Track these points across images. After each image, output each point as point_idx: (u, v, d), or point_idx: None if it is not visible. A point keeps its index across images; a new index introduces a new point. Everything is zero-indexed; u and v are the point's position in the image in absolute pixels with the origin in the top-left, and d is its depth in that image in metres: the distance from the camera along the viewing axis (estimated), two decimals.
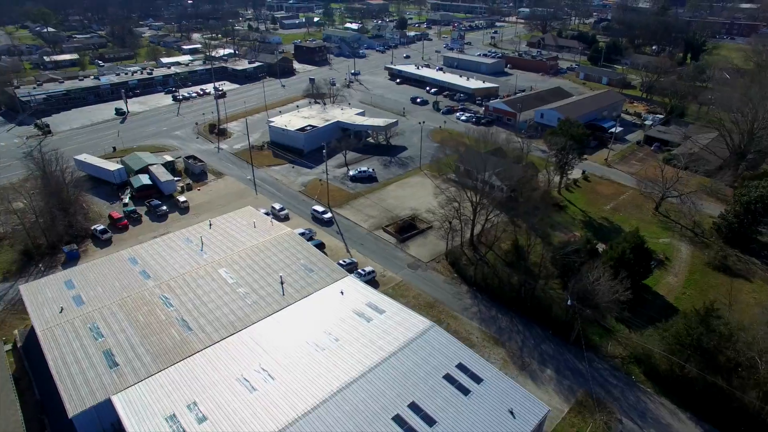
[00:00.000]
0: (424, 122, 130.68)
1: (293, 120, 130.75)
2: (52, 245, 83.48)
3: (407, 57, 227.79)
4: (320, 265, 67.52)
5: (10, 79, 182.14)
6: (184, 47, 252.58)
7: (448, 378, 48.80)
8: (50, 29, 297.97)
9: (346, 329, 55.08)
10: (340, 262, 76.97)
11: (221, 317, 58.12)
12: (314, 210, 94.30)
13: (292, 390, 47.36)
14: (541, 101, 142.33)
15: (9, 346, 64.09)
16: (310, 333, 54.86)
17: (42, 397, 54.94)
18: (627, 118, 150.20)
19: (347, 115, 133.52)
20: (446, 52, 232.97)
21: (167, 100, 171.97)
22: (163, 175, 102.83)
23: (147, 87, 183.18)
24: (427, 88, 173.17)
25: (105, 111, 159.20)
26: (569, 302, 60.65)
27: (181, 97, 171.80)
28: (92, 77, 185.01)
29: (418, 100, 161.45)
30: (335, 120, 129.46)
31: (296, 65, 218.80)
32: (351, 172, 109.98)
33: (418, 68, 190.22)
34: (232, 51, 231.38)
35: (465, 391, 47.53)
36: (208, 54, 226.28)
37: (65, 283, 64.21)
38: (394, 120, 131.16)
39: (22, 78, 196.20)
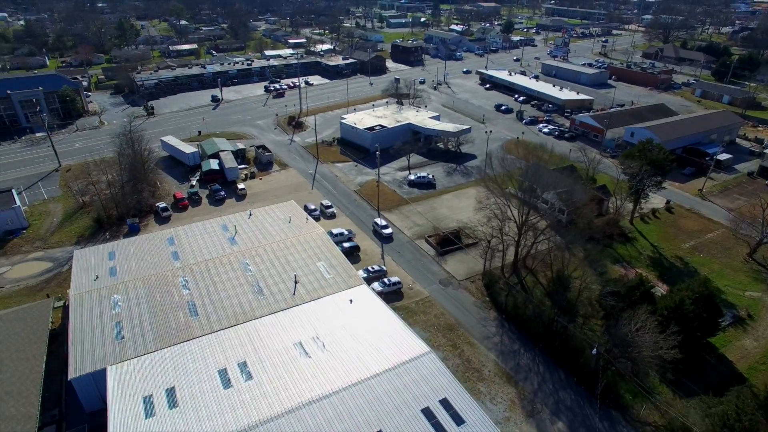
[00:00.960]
0: (491, 131, 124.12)
1: (365, 118, 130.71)
2: (120, 217, 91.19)
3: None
4: (339, 269, 65.92)
5: (135, 66, 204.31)
6: (291, 41, 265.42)
7: (427, 413, 44.60)
8: (183, 22, 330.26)
9: (339, 340, 52.92)
10: (369, 268, 74.92)
11: (228, 308, 58.93)
12: (375, 223, 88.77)
13: (262, 393, 46.35)
14: (637, 118, 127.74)
15: (60, 303, 70.90)
16: (302, 337, 53.54)
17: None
18: (744, 144, 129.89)
19: (420, 117, 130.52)
20: (546, 59, 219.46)
21: (260, 90, 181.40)
22: (229, 162, 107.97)
23: (245, 77, 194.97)
24: (516, 96, 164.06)
25: (203, 97, 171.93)
26: (595, 351, 52.84)
27: (272, 88, 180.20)
28: (200, 66, 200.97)
29: (503, 107, 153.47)
30: (407, 122, 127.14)
31: (390, 64, 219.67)
32: (410, 177, 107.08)
33: (510, 74, 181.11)
34: (331, 47, 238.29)
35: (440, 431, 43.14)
36: (308, 48, 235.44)
37: (109, 254, 69.43)
38: (467, 127, 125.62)
39: (147, 64, 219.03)
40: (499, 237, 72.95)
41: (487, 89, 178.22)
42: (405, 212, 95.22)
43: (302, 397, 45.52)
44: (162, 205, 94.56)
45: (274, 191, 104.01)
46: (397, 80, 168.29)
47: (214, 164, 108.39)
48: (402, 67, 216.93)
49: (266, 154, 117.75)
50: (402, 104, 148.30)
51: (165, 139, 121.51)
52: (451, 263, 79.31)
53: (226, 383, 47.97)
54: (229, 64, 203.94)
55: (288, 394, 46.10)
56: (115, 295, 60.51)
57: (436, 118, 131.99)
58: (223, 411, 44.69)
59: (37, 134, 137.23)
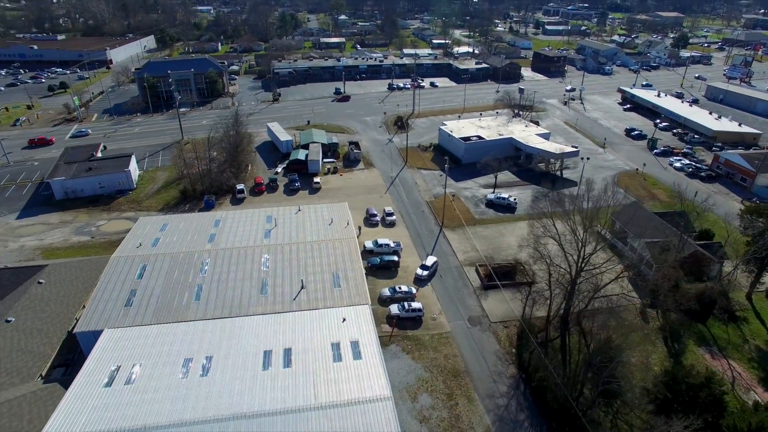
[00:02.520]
0: (588, 158, 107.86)
1: (466, 127, 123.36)
2: (202, 192, 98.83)
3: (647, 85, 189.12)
4: (351, 283, 62.19)
5: (281, 54, 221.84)
6: (435, 41, 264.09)
7: None
8: (342, 17, 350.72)
9: (306, 359, 49.50)
10: (396, 287, 69.72)
11: (228, 299, 59.28)
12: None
13: (207, 393, 45.25)
14: None
15: None
16: (275, 346, 51.28)
17: None
18: None
19: (526, 133, 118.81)
20: (716, 80, 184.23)
21: (383, 87, 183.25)
22: (313, 154, 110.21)
23: (374, 73, 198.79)
24: (657, 121, 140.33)
25: (329, 88, 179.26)
26: None
27: (395, 86, 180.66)
28: (336, 59, 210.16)
29: (634, 133, 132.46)
30: (509, 136, 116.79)
31: (527, 73, 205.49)
32: (489, 196, 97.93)
33: (658, 95, 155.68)
34: (469, 50, 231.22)
35: None
36: (447, 50, 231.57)
37: (162, 225, 75.22)
38: (573, 149, 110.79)
39: (294, 54, 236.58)
40: (548, 283, 62.00)
41: (625, 110, 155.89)
42: (469, 233, 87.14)
43: (234, 410, 43.38)
44: (240, 186, 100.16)
45: (347, 189, 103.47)
46: (521, 90, 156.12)
47: (301, 155, 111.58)
48: (539, 77, 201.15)
49: (355, 151, 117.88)
50: (519, 116, 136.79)
51: (270, 124, 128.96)
52: (491, 300, 70.10)
53: (185, 373, 47.98)
54: (363, 59, 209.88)
55: (226, 403, 44.32)
56: (144, 264, 65.00)
57: (545, 135, 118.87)
58: (167, 399, 44.62)
59: (181, 109, 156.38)
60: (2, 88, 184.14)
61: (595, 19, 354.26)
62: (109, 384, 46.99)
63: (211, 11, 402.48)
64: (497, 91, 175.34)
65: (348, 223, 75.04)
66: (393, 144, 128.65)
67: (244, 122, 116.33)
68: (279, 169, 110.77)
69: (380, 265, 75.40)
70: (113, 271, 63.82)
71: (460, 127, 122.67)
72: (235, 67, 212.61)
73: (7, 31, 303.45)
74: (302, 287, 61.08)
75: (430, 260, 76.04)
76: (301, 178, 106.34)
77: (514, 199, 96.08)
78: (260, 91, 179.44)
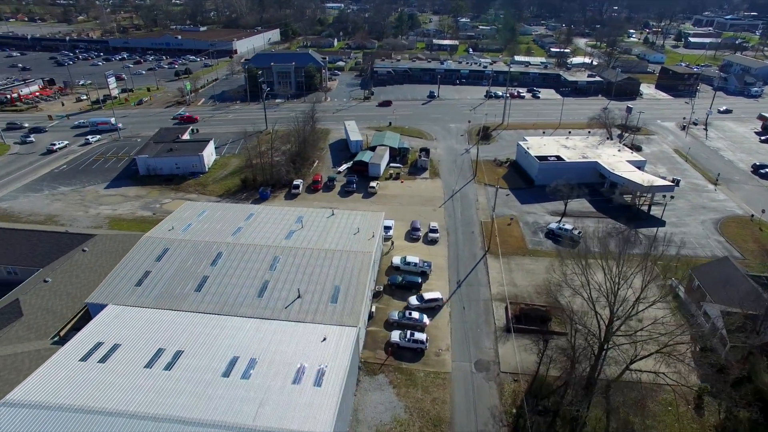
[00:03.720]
0: (672, 196, 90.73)
1: (548, 145, 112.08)
2: (261, 183, 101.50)
3: None
4: (349, 301, 58.39)
5: (389, 53, 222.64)
6: (553, 50, 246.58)
7: None
8: (464, 19, 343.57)
9: (265, 373, 47.05)
10: (407, 312, 64.35)
11: (223, 295, 58.99)
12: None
13: (157, 389, 44.84)
14: None
15: None
16: (243, 353, 49.60)
17: None
18: None
19: (616, 158, 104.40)
20: None
21: (480, 94, 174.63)
22: (376, 158, 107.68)
23: (475, 78, 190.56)
24: None
25: (424, 91, 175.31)
26: None
27: (492, 94, 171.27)
28: (439, 61, 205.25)
29: (765, 170, 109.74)
30: (594, 160, 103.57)
31: (649, 90, 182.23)
32: (552, 225, 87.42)
33: None
34: (586, 60, 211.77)
35: None
36: (561, 60, 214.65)
37: (200, 212, 78.05)
38: (670, 184, 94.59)
39: (402, 53, 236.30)
40: (571, 346, 52.58)
41: (762, 141, 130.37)
42: (513, 264, 78.33)
43: (172, 412, 42.37)
44: (297, 182, 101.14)
45: (402, 198, 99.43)
46: (629, 109, 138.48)
47: (366, 156, 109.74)
48: (661, 95, 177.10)
49: (423, 159, 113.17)
50: (621, 137, 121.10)
51: (347, 122, 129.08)
52: (509, 346, 61.72)
53: (150, 364, 48.40)
54: (467, 63, 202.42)
55: (170, 401, 43.56)
56: (166, 248, 67.61)
57: (639, 163, 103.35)
58: (122, 386, 45.07)
59: (276, 100, 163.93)
60: (143, 72, 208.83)
61: (759, 31, 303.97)
62: (84, 359, 48.99)
63: (342, 8, 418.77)
64: (605, 108, 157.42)
65: (373, 235, 71.21)
66: (468, 155, 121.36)
67: (318, 118, 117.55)
68: (342, 169, 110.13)
69: (400, 284, 70.60)
70: (139, 250, 67.30)
71: (541, 145, 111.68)
72: (341, 63, 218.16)
73: (167, 23, 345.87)
74: (299, 296, 58.88)
75: (429, 295, 68.27)
76: (361, 180, 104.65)
77: (579, 232, 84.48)
78: (356, 88, 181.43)
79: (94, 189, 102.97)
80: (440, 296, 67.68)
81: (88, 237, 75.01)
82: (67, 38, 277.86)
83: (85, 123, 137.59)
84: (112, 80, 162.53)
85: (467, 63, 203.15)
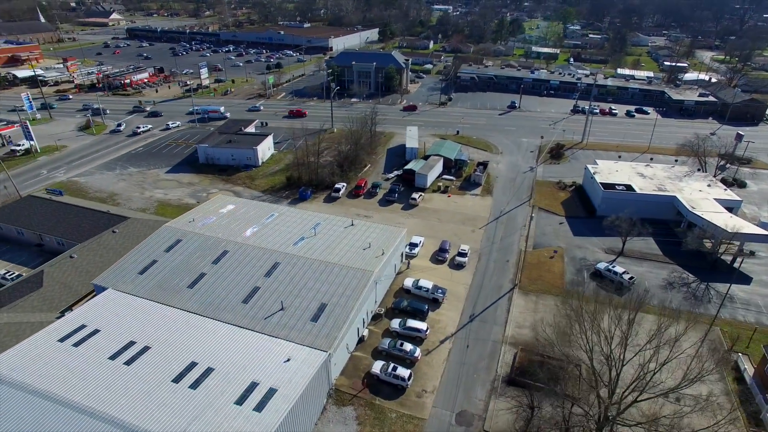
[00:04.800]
0: (753, 252, 73.41)
1: (621, 171, 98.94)
2: (305, 183, 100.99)
3: None
4: (330, 322, 54.66)
5: (481, 59, 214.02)
6: (666, 63, 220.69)
7: None
8: (572, 27, 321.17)
9: (214, 389, 45.02)
10: (399, 343, 58.89)
11: (212, 296, 58.28)
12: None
13: (108, 384, 44.99)
14: None
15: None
16: (203, 360, 48.21)
17: None
18: None
19: (702, 194, 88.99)
20: None
21: (567, 107, 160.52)
22: (425, 169, 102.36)
23: (567, 90, 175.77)
24: None
25: (506, 100, 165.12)
26: None
27: (579, 108, 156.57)
28: (530, 70, 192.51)
29: None
30: (672, 194, 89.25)
31: None
32: (599, 265, 76.33)
33: None
34: (703, 77, 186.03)
35: None
36: (672, 75, 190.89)
37: (227, 206, 78.94)
38: (761, 230, 78.10)
39: (495, 59, 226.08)
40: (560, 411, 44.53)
41: None
42: (542, 304, 69.33)
43: (111, 410, 42.04)
44: (338, 186, 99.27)
45: (443, 214, 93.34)
46: (739, 137, 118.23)
47: (416, 165, 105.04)
48: None
49: (478, 173, 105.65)
50: (722, 169, 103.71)
51: (409, 128, 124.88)
52: (504, 400, 54.03)
53: (115, 355, 48.87)
54: (560, 74, 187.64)
55: (114, 398, 43.35)
56: (179, 240, 68.88)
57: (733, 204, 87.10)
58: (81, 374, 45.98)
59: (352, 99, 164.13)
60: (240, 64, 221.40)
61: None
62: (62, 340, 50.87)
63: (450, 11, 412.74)
64: (712, 134, 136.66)
65: (383, 253, 66.74)
66: (532, 174, 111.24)
67: (380, 121, 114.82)
68: (391, 176, 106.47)
69: (404, 309, 65.41)
70: (154, 238, 69.32)
71: (613, 170, 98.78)
72: (428, 66, 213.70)
73: (277, 19, 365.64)
74: (281, 309, 56.47)
75: (413, 323, 61.72)
76: (407, 190, 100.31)
77: (631, 278, 72.70)
78: (435, 93, 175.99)
79: (156, 172, 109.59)
80: (425, 327, 61.61)
81: (123, 219, 79.23)
82: (187, 31, 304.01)
83: (198, 110, 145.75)
84: (204, 71, 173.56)
85: (560, 73, 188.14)
